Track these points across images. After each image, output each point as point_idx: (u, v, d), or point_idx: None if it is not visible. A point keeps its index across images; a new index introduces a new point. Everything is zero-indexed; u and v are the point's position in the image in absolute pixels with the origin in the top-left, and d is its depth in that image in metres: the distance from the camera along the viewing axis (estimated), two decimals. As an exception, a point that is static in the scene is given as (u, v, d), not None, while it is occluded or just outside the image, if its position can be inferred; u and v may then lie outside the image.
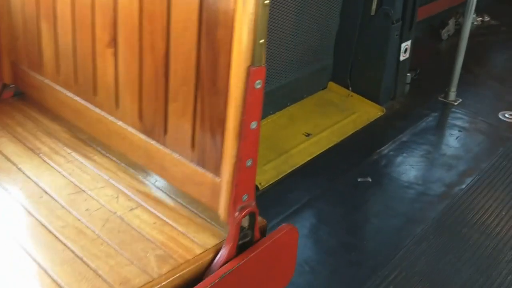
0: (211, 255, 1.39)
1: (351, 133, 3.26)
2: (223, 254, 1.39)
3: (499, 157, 3.07)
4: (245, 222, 1.43)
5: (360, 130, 3.31)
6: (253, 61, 1.27)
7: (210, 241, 1.43)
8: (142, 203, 1.55)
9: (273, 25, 3.02)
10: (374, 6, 3.35)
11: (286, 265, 1.58)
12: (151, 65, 1.55)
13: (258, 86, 1.30)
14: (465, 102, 3.64)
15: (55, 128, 1.87)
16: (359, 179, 2.85)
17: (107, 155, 1.74)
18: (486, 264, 2.31)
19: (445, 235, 2.47)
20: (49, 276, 1.27)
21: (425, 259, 2.33)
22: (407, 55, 3.55)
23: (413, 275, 2.24)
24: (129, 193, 1.58)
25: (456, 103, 3.62)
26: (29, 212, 1.46)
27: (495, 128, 3.39)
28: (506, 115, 3.51)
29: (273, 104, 3.26)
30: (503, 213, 2.62)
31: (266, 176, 2.73)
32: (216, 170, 1.41)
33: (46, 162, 1.68)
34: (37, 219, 1.44)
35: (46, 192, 1.54)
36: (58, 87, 1.88)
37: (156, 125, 1.58)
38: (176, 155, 1.52)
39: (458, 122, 3.44)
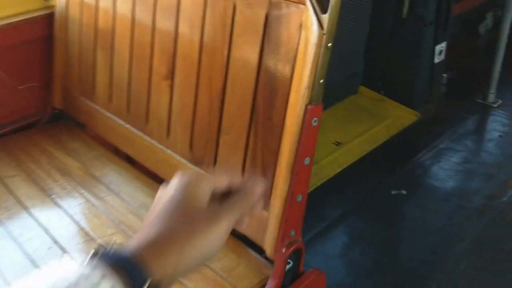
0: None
1: (383, 141, 3.14)
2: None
3: (544, 163, 2.94)
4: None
5: (393, 137, 3.19)
6: (311, 100, 1.30)
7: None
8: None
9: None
10: (405, 9, 3.25)
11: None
12: (206, 98, 1.60)
13: (315, 124, 1.32)
14: (505, 103, 3.48)
15: (70, 164, 1.84)
16: (392, 192, 2.72)
17: (120, 194, 1.71)
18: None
19: (487, 253, 2.35)
20: None
21: (465, 281, 2.22)
22: (442, 57, 3.42)
23: (452, 299, 2.14)
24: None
25: (495, 105, 3.47)
26: (36, 265, 1.43)
27: (539, 131, 3.26)
28: (551, 116, 3.35)
29: (302, 113, 3.21)
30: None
31: (295, 190, 2.65)
32: (265, 204, 1.41)
33: (57, 205, 1.65)
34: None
35: (56, 242, 1.51)
36: (109, 114, 1.93)
37: (206, 156, 1.62)
38: None
39: (498, 126, 3.30)
